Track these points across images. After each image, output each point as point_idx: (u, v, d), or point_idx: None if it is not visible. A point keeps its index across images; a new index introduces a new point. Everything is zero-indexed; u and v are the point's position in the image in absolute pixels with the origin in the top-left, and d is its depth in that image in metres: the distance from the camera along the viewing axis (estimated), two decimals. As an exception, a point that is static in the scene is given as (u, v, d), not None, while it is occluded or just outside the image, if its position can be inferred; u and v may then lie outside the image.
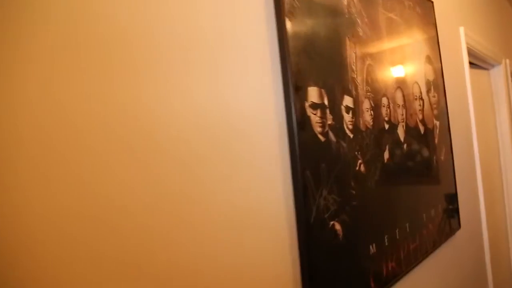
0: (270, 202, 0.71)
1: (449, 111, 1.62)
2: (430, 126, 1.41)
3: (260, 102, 0.73)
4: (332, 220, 0.83)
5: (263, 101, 0.73)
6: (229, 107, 0.66)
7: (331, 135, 0.86)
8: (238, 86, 0.68)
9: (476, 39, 2.10)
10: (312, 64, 0.83)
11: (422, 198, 1.29)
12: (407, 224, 1.15)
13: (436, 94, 1.50)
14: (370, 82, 1.04)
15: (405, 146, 1.21)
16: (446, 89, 1.61)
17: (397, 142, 1.16)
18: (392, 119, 1.15)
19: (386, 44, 1.16)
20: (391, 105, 1.14)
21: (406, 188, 1.19)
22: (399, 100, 1.21)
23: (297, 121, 0.77)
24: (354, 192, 0.91)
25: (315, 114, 0.81)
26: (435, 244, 1.34)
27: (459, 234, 1.60)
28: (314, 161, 0.80)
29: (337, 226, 0.84)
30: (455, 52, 1.84)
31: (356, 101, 0.97)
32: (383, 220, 1.03)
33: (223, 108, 0.65)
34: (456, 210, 1.57)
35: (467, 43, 1.92)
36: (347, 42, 0.96)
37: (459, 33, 1.88)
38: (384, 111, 1.10)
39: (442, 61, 1.61)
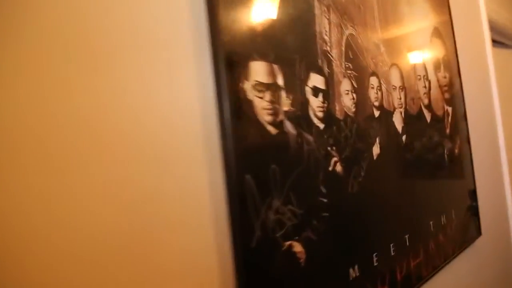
0: (194, 227, 0.51)
1: (465, 95, 1.36)
2: (439, 113, 1.16)
3: (176, 83, 0.52)
4: (288, 240, 0.61)
5: (180, 81, 0.53)
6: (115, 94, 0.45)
7: (288, 125, 0.64)
8: (139, 62, 0.48)
9: (500, 12, 1.80)
10: (257, 30, 0.61)
11: (428, 202, 1.04)
12: (406, 236, 0.92)
13: (447, 75, 1.24)
14: (352, 57, 0.81)
15: (404, 138, 0.97)
16: (461, 69, 1.35)
17: (392, 134, 0.93)
18: (385, 104, 0.91)
19: (375, 9, 0.92)
20: (383, 87, 0.91)
21: (406, 190, 0.95)
22: (396, 81, 0.97)
23: (231, 107, 0.55)
24: (325, 200, 0.69)
25: (261, 98, 0.60)
26: (447, 257, 1.10)
27: (479, 242, 1.34)
28: (259, 161, 0.58)
29: (297, 248, 0.63)
30: (473, 26, 1.56)
31: (330, 81, 0.74)
32: (371, 234, 0.80)
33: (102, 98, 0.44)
34: (476, 214, 1.31)
35: (488, 16, 1.63)
36: (316, 4, 0.74)
37: (477, 2, 1.60)
38: (373, 94, 0.87)
39: (456, 35, 1.35)
